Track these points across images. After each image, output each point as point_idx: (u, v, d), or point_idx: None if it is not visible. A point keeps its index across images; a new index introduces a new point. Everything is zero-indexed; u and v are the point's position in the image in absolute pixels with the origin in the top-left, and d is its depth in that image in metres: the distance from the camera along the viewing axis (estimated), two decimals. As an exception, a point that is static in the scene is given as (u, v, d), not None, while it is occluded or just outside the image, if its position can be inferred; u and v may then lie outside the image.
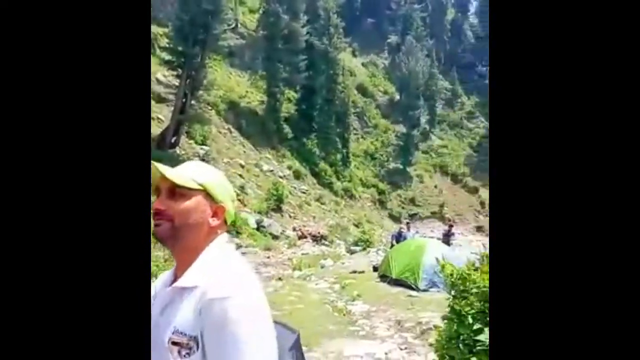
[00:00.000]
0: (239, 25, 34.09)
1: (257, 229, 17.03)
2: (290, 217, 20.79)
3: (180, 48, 19.53)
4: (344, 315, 6.84)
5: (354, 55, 45.86)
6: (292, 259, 13.70)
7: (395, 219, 31.05)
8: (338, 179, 30.13)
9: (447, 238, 12.26)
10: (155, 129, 18.89)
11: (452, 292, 2.83)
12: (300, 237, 18.46)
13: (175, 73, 20.27)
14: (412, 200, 35.90)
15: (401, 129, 39.56)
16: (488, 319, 2.54)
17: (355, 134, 36.60)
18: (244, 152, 24.11)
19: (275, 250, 15.50)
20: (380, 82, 45.63)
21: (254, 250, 14.54)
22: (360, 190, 32.08)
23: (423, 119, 41.44)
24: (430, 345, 4.18)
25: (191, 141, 21.30)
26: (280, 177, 24.23)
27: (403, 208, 34.60)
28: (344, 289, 8.69)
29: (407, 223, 15.68)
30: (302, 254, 15.52)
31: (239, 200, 18.50)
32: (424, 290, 7.90)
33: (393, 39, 49.80)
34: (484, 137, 45.43)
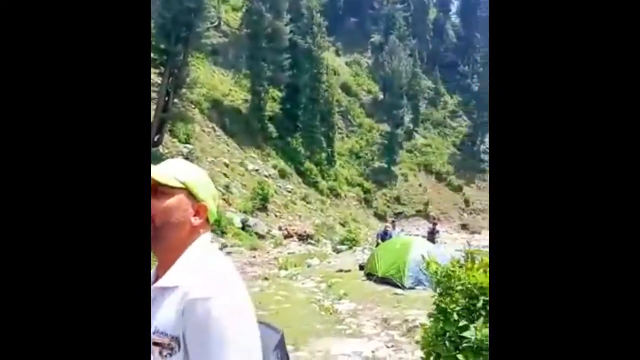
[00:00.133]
0: (222, 23, 33.86)
1: (243, 228, 16.94)
2: (276, 216, 20.74)
3: (162, 46, 19.29)
4: (331, 314, 6.85)
5: (338, 55, 45.94)
6: (278, 259, 13.66)
7: (381, 217, 31.24)
8: (323, 177, 30.16)
9: (432, 236, 12.33)
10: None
11: (438, 290, 2.85)
12: (286, 237, 18.44)
13: (157, 71, 19.97)
14: (397, 199, 36.16)
15: (385, 127, 39.76)
16: (473, 315, 2.56)
17: (340, 133, 36.68)
18: (228, 150, 23.95)
19: (261, 250, 15.45)
20: (364, 81, 45.79)
21: (239, 249, 14.47)
22: (345, 189, 32.18)
23: (407, 118, 41.73)
24: (417, 342, 4.20)
25: (174, 139, 21.08)
26: (266, 176, 24.15)
27: (388, 207, 34.81)
28: (331, 288, 8.69)
29: (393, 221, 15.79)
30: (288, 253, 15.50)
31: (224, 199, 18.37)
32: (410, 288, 7.94)
33: (376, 38, 49.94)
34: (467, 136, 46.10)
